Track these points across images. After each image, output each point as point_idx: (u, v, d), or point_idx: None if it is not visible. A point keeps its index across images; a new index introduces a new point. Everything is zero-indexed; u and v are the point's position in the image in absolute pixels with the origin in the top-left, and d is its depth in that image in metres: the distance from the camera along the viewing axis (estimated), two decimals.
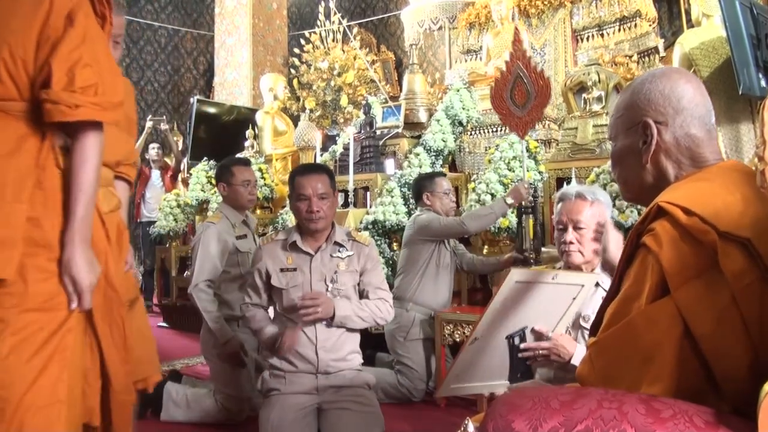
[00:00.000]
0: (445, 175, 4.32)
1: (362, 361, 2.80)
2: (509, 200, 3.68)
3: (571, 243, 2.29)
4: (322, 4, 7.31)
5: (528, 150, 4.51)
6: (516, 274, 1.54)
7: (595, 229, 2.28)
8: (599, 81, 4.63)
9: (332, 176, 2.76)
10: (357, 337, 2.76)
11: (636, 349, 1.12)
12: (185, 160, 7.79)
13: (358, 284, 2.76)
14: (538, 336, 1.88)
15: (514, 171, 4.40)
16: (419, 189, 4.08)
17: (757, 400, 0.99)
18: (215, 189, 5.29)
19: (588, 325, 2.01)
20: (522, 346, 1.74)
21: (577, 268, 2.32)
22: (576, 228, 2.28)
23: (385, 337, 3.95)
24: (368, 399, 2.67)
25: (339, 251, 2.71)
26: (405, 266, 3.97)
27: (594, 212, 2.29)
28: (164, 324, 6.50)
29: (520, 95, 3.72)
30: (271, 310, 2.88)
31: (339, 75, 6.94)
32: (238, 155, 6.08)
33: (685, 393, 1.04)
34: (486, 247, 4.45)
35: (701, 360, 1.06)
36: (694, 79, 1.31)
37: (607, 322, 1.20)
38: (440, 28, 7.11)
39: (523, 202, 3.78)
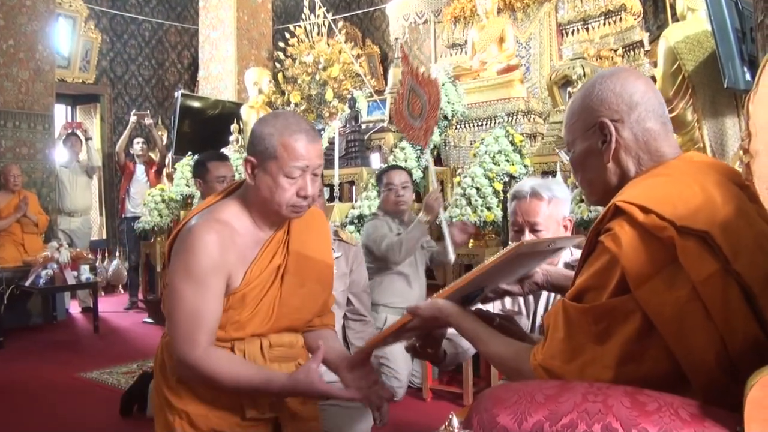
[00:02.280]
0: (396, 168, 4.17)
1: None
2: (424, 218, 3.61)
3: None
4: None
5: (512, 144, 4.50)
6: (525, 247, 1.34)
7: (554, 229, 2.12)
8: (584, 75, 4.65)
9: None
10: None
11: (585, 333, 1.13)
12: (170, 155, 7.73)
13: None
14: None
15: (499, 165, 4.39)
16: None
17: (732, 392, 1.00)
18: None
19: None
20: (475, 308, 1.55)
21: (535, 272, 2.21)
22: (533, 230, 2.10)
23: None
24: None
25: None
26: (371, 269, 3.75)
27: (552, 211, 2.11)
28: (149, 320, 6.47)
29: (415, 106, 3.69)
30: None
31: (324, 69, 6.92)
32: (222, 150, 6.04)
33: (644, 383, 1.04)
34: (471, 240, 4.45)
35: (667, 354, 1.06)
36: (642, 76, 1.32)
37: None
38: (425, 22, 7.11)
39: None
